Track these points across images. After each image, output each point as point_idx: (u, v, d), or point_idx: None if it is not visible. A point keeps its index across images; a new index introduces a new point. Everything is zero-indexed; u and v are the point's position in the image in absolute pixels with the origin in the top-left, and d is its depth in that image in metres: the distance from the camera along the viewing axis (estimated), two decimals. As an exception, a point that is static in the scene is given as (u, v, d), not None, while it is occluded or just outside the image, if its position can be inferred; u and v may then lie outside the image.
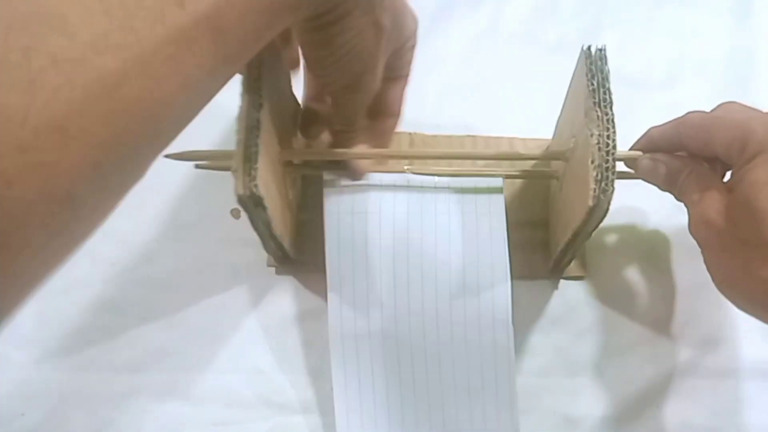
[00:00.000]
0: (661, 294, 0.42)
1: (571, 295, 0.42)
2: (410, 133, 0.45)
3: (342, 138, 0.37)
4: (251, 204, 0.32)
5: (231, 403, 0.40)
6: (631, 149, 0.36)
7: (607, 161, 0.30)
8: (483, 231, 0.36)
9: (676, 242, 0.43)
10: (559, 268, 0.41)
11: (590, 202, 0.30)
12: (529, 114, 0.47)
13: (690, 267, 0.42)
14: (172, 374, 0.40)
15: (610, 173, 0.30)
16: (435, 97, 0.48)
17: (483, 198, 0.37)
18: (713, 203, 0.31)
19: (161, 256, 0.43)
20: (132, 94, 0.20)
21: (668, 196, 0.35)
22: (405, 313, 0.35)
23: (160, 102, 0.21)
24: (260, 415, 0.40)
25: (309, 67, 0.35)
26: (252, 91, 0.32)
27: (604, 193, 0.30)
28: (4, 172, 0.17)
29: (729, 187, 0.31)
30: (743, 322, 0.41)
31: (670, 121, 0.34)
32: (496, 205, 0.37)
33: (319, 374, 0.40)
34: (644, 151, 0.35)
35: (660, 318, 0.42)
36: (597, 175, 0.30)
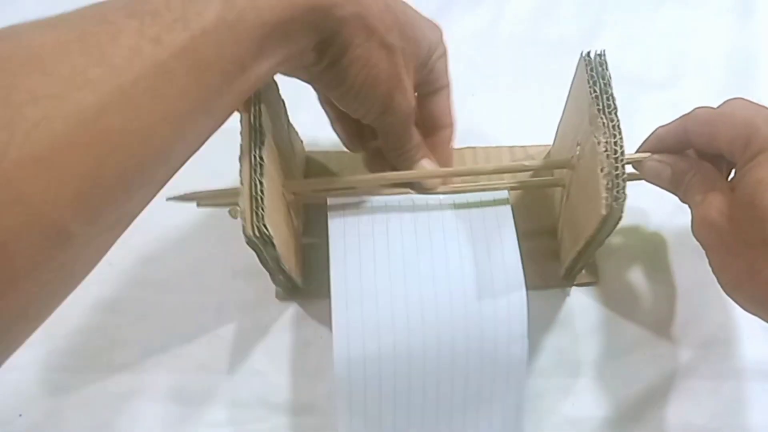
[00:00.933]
0: (662, 295, 0.42)
1: (577, 298, 0.42)
2: None
3: (401, 160, 0.37)
4: (260, 243, 0.32)
5: (229, 404, 0.40)
6: (638, 150, 0.36)
7: (616, 168, 0.30)
8: (494, 244, 0.36)
9: (678, 243, 0.43)
10: (571, 276, 0.41)
11: (603, 211, 0.30)
12: (528, 114, 0.47)
13: (691, 268, 0.42)
14: (170, 375, 0.40)
15: (620, 180, 0.30)
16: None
17: (490, 211, 0.37)
18: (716, 204, 0.31)
19: (160, 257, 0.42)
20: (112, 125, 0.20)
21: (670, 197, 0.35)
22: (419, 332, 0.34)
23: (142, 133, 0.21)
24: (259, 415, 0.39)
25: (337, 110, 0.35)
26: (252, 127, 0.31)
27: (617, 201, 0.30)
28: None
29: (732, 187, 0.31)
30: (745, 323, 0.41)
31: (678, 119, 0.34)
32: (505, 218, 0.37)
33: (317, 375, 0.40)
34: (652, 151, 0.35)
35: (661, 319, 0.41)
36: (608, 184, 0.30)
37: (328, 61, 0.29)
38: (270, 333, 0.41)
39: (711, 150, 0.32)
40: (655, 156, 0.35)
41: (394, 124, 0.34)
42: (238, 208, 0.31)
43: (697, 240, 0.32)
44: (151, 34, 0.21)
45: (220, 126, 0.26)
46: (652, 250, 0.43)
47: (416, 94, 0.35)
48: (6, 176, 0.18)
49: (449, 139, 0.38)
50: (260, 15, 0.24)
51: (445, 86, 0.37)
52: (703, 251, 0.32)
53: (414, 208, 0.37)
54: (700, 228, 0.32)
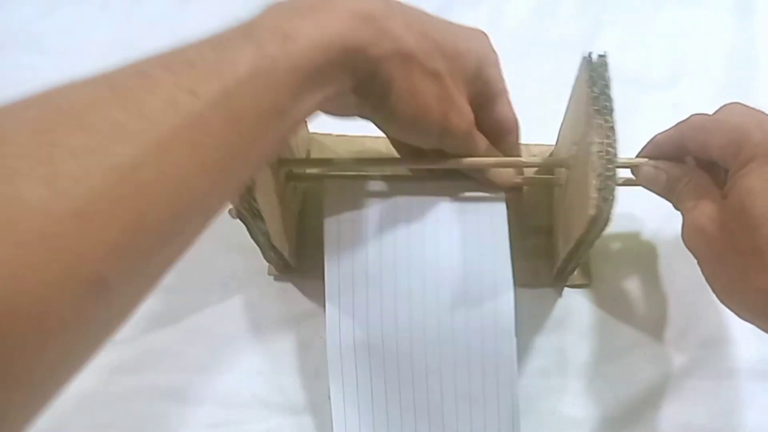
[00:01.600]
0: (658, 297, 0.42)
1: (573, 299, 0.42)
2: None
3: (473, 171, 0.37)
4: (249, 216, 0.32)
5: (228, 404, 0.40)
6: (637, 156, 0.36)
7: (608, 169, 0.30)
8: (485, 240, 0.36)
9: (675, 245, 0.43)
10: (562, 277, 0.41)
11: (591, 211, 0.30)
12: (528, 114, 0.47)
13: (689, 269, 0.42)
14: (170, 375, 0.40)
15: (611, 182, 0.30)
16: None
17: (485, 206, 0.37)
18: (707, 211, 0.31)
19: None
20: (150, 178, 0.20)
21: (665, 202, 0.35)
22: (406, 323, 0.35)
23: (179, 184, 0.21)
24: (258, 416, 0.39)
25: (398, 144, 0.36)
26: None
27: (605, 202, 0.30)
28: (29, 258, 0.18)
29: (724, 194, 0.31)
30: (742, 323, 0.41)
31: (675, 125, 0.34)
32: (498, 215, 0.37)
33: (316, 375, 0.40)
34: (650, 157, 0.35)
35: (659, 320, 0.41)
36: (598, 185, 0.30)
37: (374, 100, 0.29)
38: (270, 333, 0.41)
39: (705, 157, 0.32)
40: (651, 162, 0.35)
41: (456, 145, 0.34)
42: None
43: (688, 248, 0.32)
44: (186, 86, 0.21)
45: (257, 172, 0.26)
46: (650, 252, 0.43)
47: (473, 105, 0.34)
48: (47, 231, 0.18)
49: (515, 142, 0.38)
50: (293, 61, 0.24)
51: (502, 92, 0.36)
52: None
53: (410, 196, 0.37)
54: (690, 235, 0.32)
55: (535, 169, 0.42)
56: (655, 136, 0.35)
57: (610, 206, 0.30)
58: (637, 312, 0.42)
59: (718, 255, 0.30)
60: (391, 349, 0.35)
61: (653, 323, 0.41)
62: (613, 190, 0.30)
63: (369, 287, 0.35)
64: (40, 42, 0.51)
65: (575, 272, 0.41)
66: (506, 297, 0.35)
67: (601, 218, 0.31)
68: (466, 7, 0.51)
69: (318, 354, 0.40)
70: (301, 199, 0.43)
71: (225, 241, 0.42)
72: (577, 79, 0.35)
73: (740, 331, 0.41)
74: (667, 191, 0.34)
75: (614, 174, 0.30)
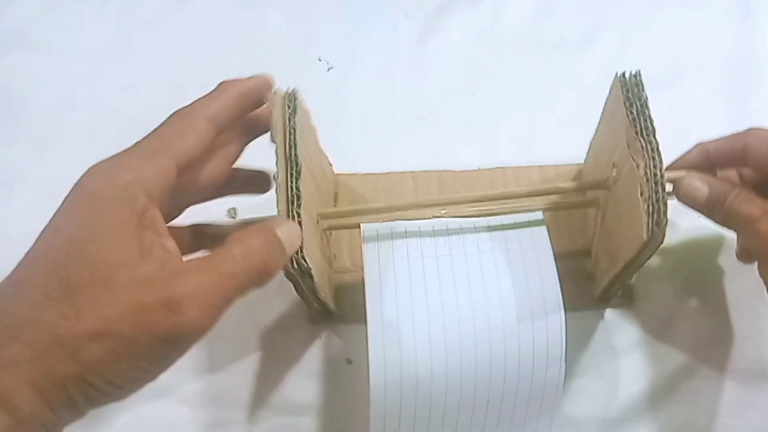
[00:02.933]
0: (660, 296, 0.42)
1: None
2: (438, 172, 0.45)
3: None
4: (299, 275, 0.32)
5: (229, 405, 0.40)
6: (672, 165, 0.35)
7: (656, 192, 0.29)
8: (531, 266, 0.35)
9: (674, 246, 0.43)
10: (606, 298, 0.41)
11: (645, 236, 0.30)
12: (528, 113, 0.47)
13: (688, 270, 0.42)
14: (170, 375, 0.40)
15: (661, 204, 0.29)
16: (434, 96, 0.48)
17: (526, 233, 0.36)
18: None
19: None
20: None
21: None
22: (457, 355, 0.34)
23: None
24: (258, 416, 0.39)
25: None
26: (288, 159, 0.31)
27: (658, 226, 0.29)
28: None
29: None
30: (743, 323, 0.41)
31: (730, 135, 0.34)
32: (541, 239, 0.36)
33: (316, 375, 0.40)
34: (693, 166, 0.35)
35: (660, 320, 0.41)
36: (648, 208, 0.29)
37: None
38: (271, 333, 0.41)
39: (763, 170, 0.32)
40: (695, 174, 0.34)
41: None
42: (235, 210, 0.31)
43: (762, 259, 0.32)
44: None
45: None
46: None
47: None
48: None
49: None
50: None
51: None
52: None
53: (448, 232, 0.37)
54: None
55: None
56: (699, 144, 0.35)
57: (663, 229, 0.29)
58: (637, 311, 0.42)
59: None
60: (439, 383, 0.34)
61: (655, 322, 0.41)
62: (664, 213, 0.29)
63: (416, 322, 0.34)
64: (40, 42, 0.51)
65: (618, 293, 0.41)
66: (557, 323, 0.34)
67: (654, 241, 0.30)
68: (466, 7, 0.51)
69: (318, 354, 0.40)
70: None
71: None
72: (610, 98, 0.35)
73: (741, 330, 0.41)
74: (709, 206, 0.33)
75: (664, 197, 0.29)
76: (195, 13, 0.52)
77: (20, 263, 0.25)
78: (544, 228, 0.36)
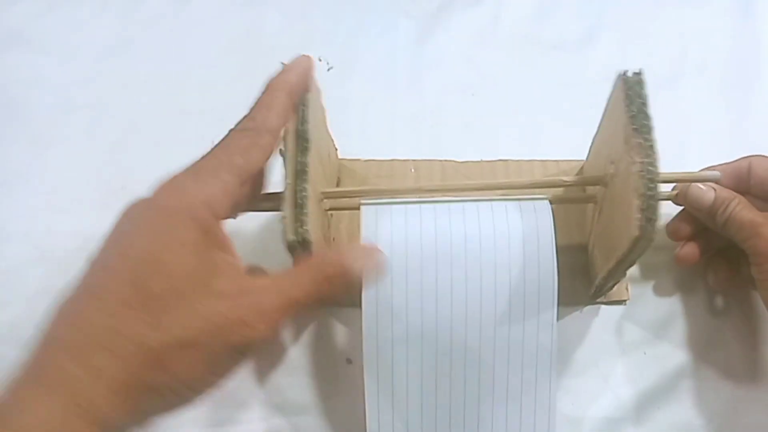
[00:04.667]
0: (660, 296, 0.42)
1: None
2: (441, 162, 0.45)
3: None
4: (300, 248, 0.32)
5: (229, 404, 0.40)
6: (673, 189, 0.37)
7: (650, 189, 0.30)
8: (529, 233, 0.35)
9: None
10: (600, 294, 0.41)
11: (636, 232, 0.30)
12: (528, 113, 0.47)
13: (686, 270, 0.42)
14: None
15: (654, 202, 0.30)
16: (434, 96, 0.48)
17: (527, 203, 0.36)
18: None
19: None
20: None
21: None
22: (447, 315, 0.34)
23: None
24: (258, 416, 0.39)
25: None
26: (299, 134, 0.32)
27: (650, 223, 0.30)
28: None
29: None
30: (742, 325, 0.41)
31: (735, 160, 0.36)
32: (542, 209, 0.36)
33: (316, 375, 0.40)
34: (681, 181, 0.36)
35: (660, 320, 0.41)
36: (641, 204, 0.30)
37: None
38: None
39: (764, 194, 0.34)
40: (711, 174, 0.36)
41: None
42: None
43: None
44: None
45: None
46: (648, 253, 0.43)
47: None
48: None
49: None
50: None
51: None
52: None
53: (450, 212, 0.36)
54: None
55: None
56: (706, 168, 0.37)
57: (654, 226, 0.30)
58: (637, 311, 0.42)
59: None
60: (430, 343, 0.35)
61: (654, 323, 0.41)
62: (656, 210, 0.30)
63: (409, 280, 0.35)
64: (40, 42, 0.51)
65: (614, 288, 0.41)
66: (550, 285, 0.34)
67: (646, 239, 0.31)
68: (466, 7, 0.51)
69: (318, 354, 0.40)
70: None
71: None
72: (612, 96, 0.35)
73: (740, 332, 0.41)
74: (712, 211, 0.35)
75: (657, 194, 0.30)
76: (195, 12, 0.52)
77: (89, 270, 0.26)
78: (546, 201, 0.36)
